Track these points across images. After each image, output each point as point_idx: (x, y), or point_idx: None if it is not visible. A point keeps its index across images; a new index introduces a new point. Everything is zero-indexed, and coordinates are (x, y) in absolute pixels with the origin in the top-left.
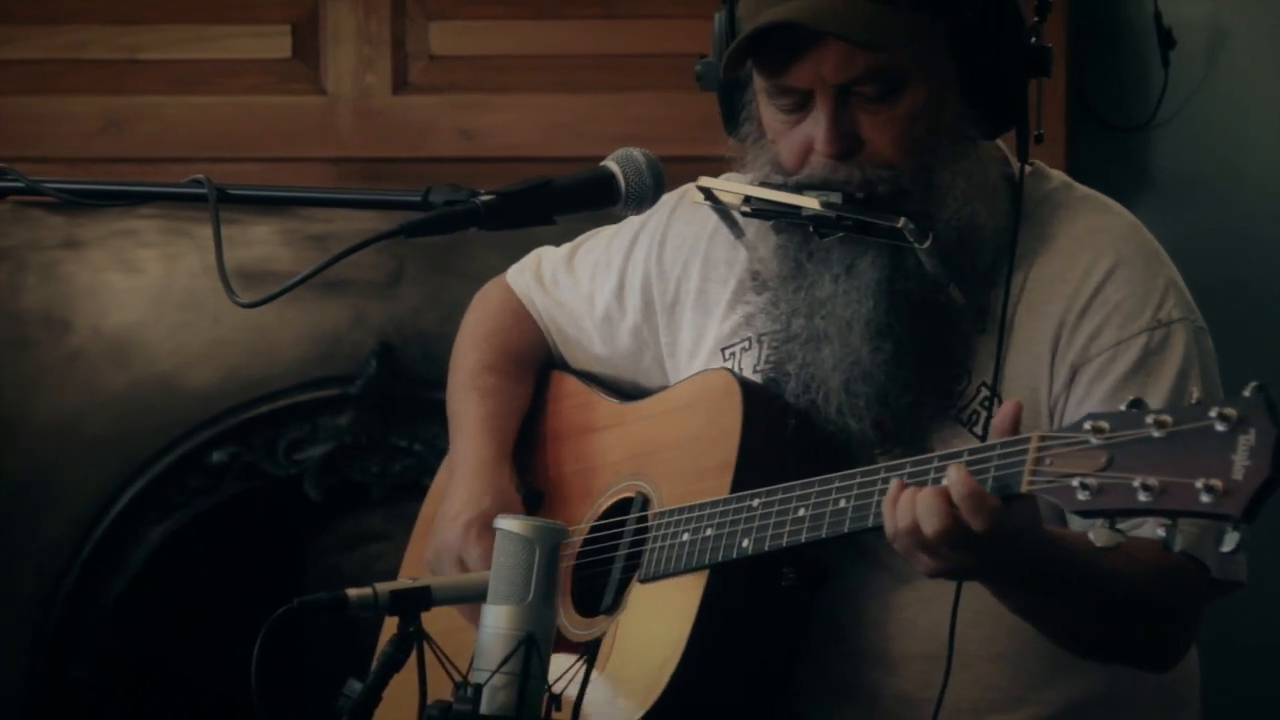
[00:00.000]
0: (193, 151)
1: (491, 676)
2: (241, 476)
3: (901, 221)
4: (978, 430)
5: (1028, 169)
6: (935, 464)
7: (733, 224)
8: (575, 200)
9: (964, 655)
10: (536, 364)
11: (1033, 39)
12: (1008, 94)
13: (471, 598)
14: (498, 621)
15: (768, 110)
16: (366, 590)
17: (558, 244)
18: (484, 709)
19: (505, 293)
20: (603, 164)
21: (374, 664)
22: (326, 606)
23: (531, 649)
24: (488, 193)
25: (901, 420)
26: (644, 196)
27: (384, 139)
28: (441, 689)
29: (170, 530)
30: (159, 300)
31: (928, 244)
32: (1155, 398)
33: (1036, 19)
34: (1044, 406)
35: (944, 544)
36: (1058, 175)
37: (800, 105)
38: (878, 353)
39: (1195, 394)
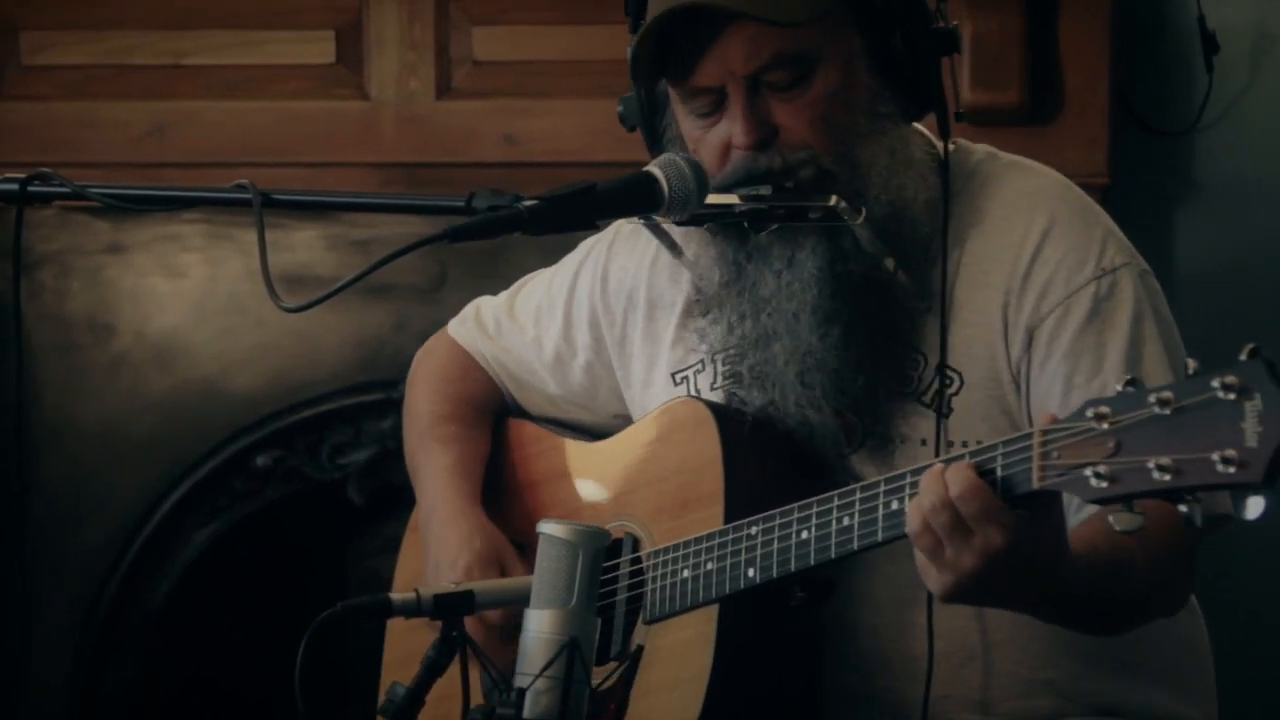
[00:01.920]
0: (237, 156)
1: (535, 680)
2: (285, 480)
3: (834, 200)
4: (925, 399)
5: (951, 146)
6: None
7: (672, 245)
8: (618, 204)
9: (970, 646)
10: (492, 411)
11: (939, 21)
12: (918, 72)
13: (514, 602)
14: (541, 626)
15: (685, 121)
16: (410, 594)
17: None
18: (527, 713)
19: (450, 346)
20: (646, 168)
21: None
22: (369, 610)
23: (575, 653)
24: (531, 198)
25: (860, 405)
26: (687, 200)
27: (427, 144)
28: (476, 693)
29: (214, 534)
30: (203, 305)
31: (861, 219)
32: (1115, 345)
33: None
34: (1005, 376)
35: (945, 539)
36: (981, 147)
37: (715, 106)
38: (826, 338)
39: (1191, 365)
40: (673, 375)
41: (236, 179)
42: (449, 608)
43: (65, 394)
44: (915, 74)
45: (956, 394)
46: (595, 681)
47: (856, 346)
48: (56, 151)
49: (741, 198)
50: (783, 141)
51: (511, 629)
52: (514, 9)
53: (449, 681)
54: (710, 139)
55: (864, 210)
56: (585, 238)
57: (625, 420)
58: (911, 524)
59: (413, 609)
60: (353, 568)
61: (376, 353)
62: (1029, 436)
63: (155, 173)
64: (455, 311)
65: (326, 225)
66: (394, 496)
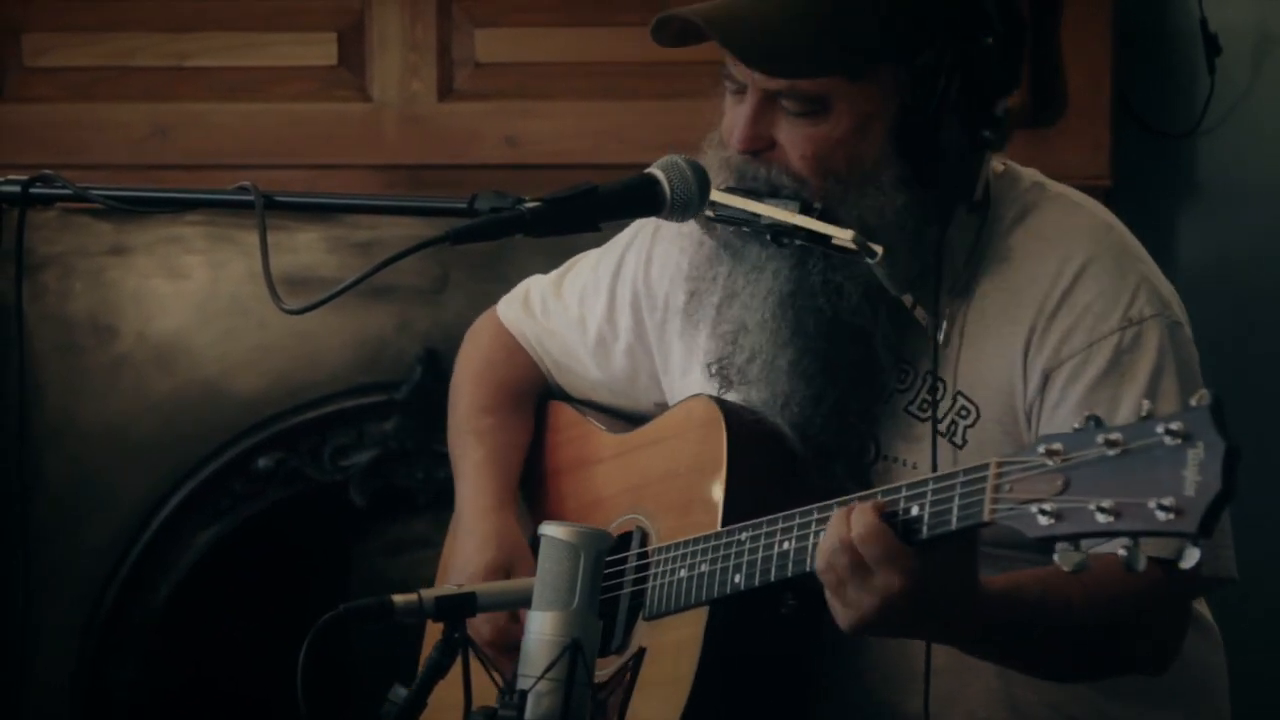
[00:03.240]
0: (239, 158)
1: (536, 682)
2: (287, 482)
3: (852, 235)
4: (956, 440)
5: (999, 168)
6: (904, 493)
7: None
8: (620, 207)
9: (976, 666)
10: (533, 396)
11: (999, 111)
12: (944, 162)
13: (516, 604)
14: (543, 628)
15: (722, 82)
16: (412, 596)
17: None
18: (529, 715)
19: (496, 326)
20: (647, 170)
21: (419, 670)
22: (372, 613)
23: (577, 655)
24: (533, 199)
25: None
26: (689, 203)
27: (429, 146)
28: (486, 695)
29: (216, 536)
30: (205, 306)
31: (879, 258)
32: (1130, 398)
33: (1007, 98)
34: (1020, 413)
35: (847, 578)
36: (1029, 174)
37: (742, 89)
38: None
39: (1146, 406)
40: (708, 366)
41: (239, 181)
42: (450, 610)
43: (67, 395)
44: (936, 164)
45: (972, 426)
46: (599, 674)
47: (814, 370)
48: (59, 153)
49: (763, 207)
50: (775, 158)
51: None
52: (516, 11)
53: (454, 689)
54: (731, 114)
55: (880, 249)
56: (587, 240)
57: (664, 409)
58: (817, 561)
59: (414, 611)
60: (355, 569)
61: (378, 354)
62: (985, 469)
63: (157, 174)
64: (457, 313)
65: (328, 227)
66: (396, 498)
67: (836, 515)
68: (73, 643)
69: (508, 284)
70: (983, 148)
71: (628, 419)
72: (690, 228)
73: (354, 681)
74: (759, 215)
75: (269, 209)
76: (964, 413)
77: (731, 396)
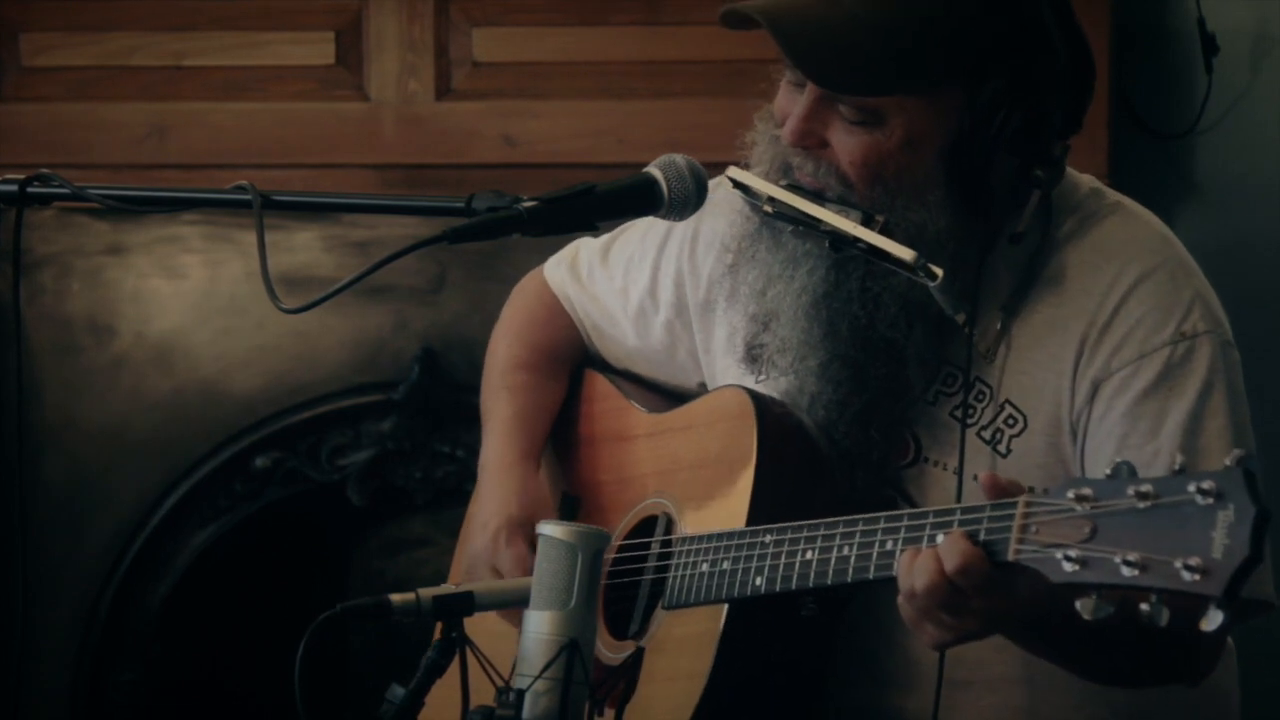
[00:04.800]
0: (237, 158)
1: (534, 682)
2: (285, 482)
3: (912, 256)
4: (1000, 449)
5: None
6: (931, 519)
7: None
8: (618, 206)
9: (989, 679)
10: (571, 360)
11: (1057, 152)
12: (994, 195)
13: (514, 603)
14: (540, 627)
15: (781, 70)
16: (409, 595)
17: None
18: (526, 714)
19: (541, 286)
20: (645, 170)
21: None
22: (369, 612)
23: (574, 654)
24: (530, 199)
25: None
26: (686, 202)
27: (427, 145)
28: (484, 694)
29: (214, 535)
30: (203, 306)
31: (939, 280)
32: (1177, 412)
33: (1065, 143)
34: (1066, 424)
35: (940, 609)
36: (1086, 181)
37: (800, 83)
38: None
39: (1178, 460)
40: (749, 348)
41: (236, 180)
42: (448, 609)
43: (65, 395)
44: (984, 195)
45: (1018, 435)
46: (610, 656)
47: (843, 376)
48: (57, 153)
49: (824, 212)
50: (825, 156)
51: None
52: (514, 10)
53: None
54: (784, 104)
55: (941, 272)
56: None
57: (704, 388)
58: (914, 602)
59: (412, 610)
60: (353, 569)
61: (376, 354)
62: (1014, 505)
63: (155, 174)
64: (455, 313)
65: (326, 226)
66: (394, 498)
67: (922, 559)
68: (71, 641)
69: (506, 283)
70: (1033, 186)
71: (665, 394)
72: (740, 204)
73: (351, 680)
74: (819, 220)
75: (267, 208)
76: (1011, 421)
77: (761, 379)
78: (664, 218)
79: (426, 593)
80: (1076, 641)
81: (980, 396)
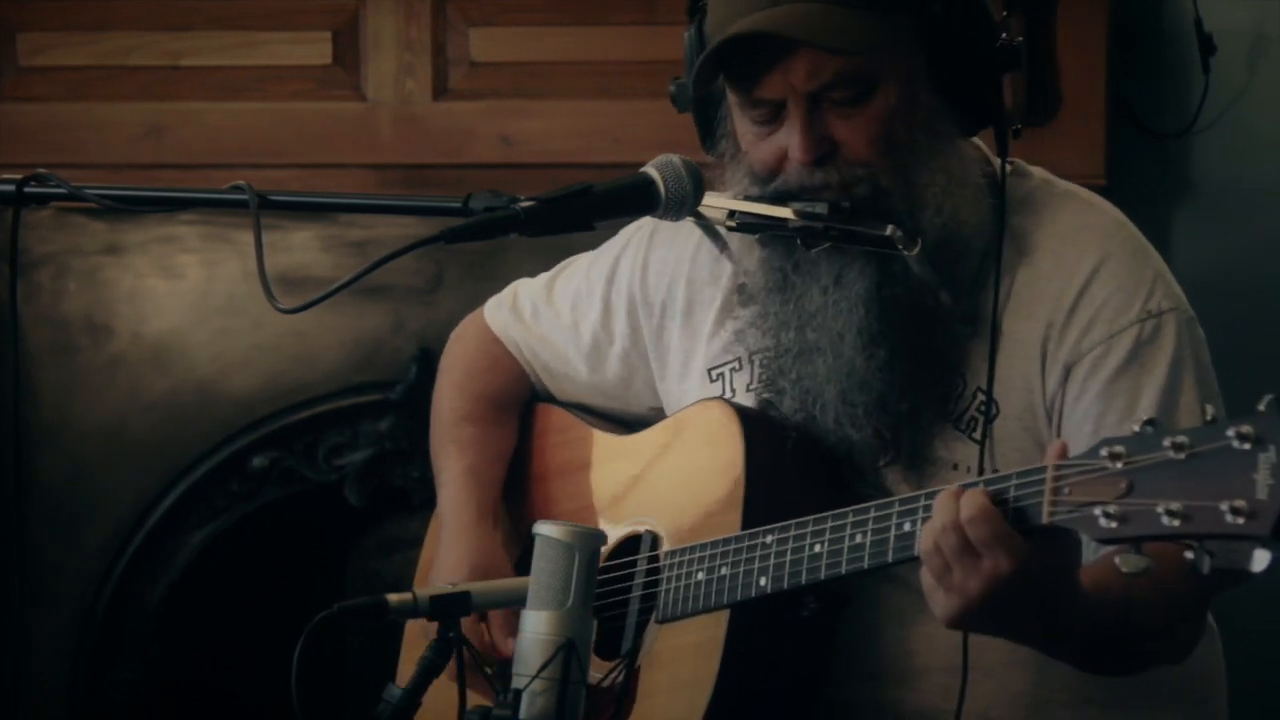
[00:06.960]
0: (234, 158)
1: (531, 681)
2: (282, 482)
3: (890, 229)
4: (975, 436)
5: (1007, 167)
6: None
7: (716, 238)
8: (615, 206)
9: (986, 663)
10: (517, 404)
11: (1002, 34)
12: (980, 89)
13: (511, 603)
14: (537, 627)
15: (741, 123)
16: (406, 595)
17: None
18: (523, 714)
19: (482, 331)
20: (642, 170)
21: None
22: (366, 611)
23: (571, 654)
24: (528, 199)
25: (901, 427)
26: (684, 202)
27: (424, 145)
28: (479, 695)
29: (211, 535)
30: (200, 306)
31: (916, 250)
32: (1151, 389)
33: (1005, 13)
34: (1040, 409)
35: (955, 562)
36: (1038, 172)
37: (773, 116)
38: (872, 360)
39: (1210, 411)
40: (709, 371)
41: (233, 180)
42: (445, 609)
43: (62, 395)
44: (976, 89)
45: (992, 422)
46: (599, 677)
47: (901, 369)
48: (54, 153)
49: (796, 213)
50: (841, 157)
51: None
52: (511, 10)
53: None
54: (767, 146)
55: (919, 241)
56: (582, 240)
57: (659, 413)
58: (923, 544)
59: (409, 610)
60: (350, 569)
61: (373, 354)
62: (1042, 470)
63: (152, 174)
64: (452, 313)
65: (323, 226)
66: (391, 498)
67: (944, 497)
68: (69, 640)
69: (502, 283)
70: (1005, 65)
71: (619, 423)
72: (687, 231)
73: (349, 680)
74: (785, 219)
75: (264, 208)
76: (983, 409)
77: (790, 408)
78: (661, 217)
79: (424, 592)
80: (1093, 637)
81: (955, 388)
